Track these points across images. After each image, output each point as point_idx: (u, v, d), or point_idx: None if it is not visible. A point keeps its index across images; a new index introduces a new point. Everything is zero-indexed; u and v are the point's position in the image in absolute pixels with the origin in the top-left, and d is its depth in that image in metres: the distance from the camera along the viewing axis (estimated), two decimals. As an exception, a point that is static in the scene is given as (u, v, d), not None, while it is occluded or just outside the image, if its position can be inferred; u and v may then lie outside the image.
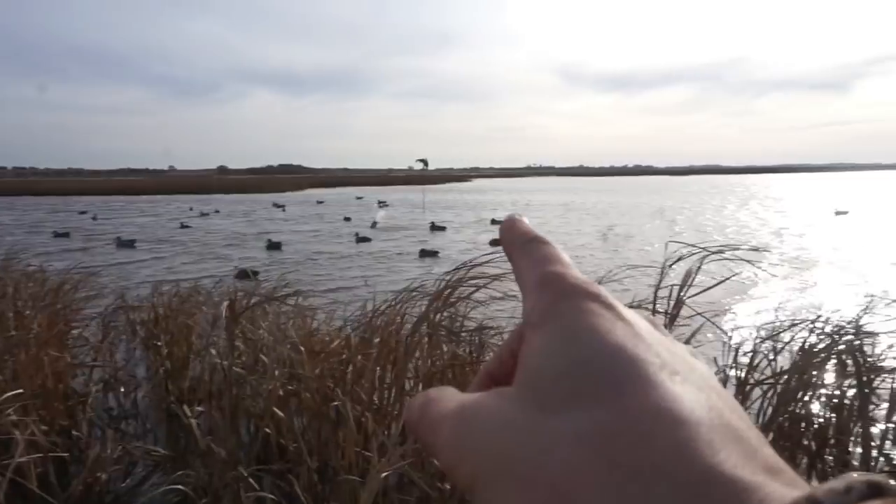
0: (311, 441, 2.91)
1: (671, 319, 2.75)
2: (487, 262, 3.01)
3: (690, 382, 0.20)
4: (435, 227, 25.36)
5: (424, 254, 16.54)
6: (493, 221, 28.47)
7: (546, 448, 0.18)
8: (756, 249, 2.86)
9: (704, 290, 2.80)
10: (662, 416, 0.18)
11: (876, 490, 0.17)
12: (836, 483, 0.17)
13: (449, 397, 0.23)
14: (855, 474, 0.17)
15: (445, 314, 3.13)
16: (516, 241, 0.26)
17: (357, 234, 21.80)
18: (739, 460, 0.17)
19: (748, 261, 2.91)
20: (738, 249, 2.87)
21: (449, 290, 3.08)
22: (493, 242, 10.14)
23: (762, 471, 0.17)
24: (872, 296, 3.30)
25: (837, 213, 30.84)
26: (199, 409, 3.61)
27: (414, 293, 3.27)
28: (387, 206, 43.23)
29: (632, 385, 0.19)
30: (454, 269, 3.16)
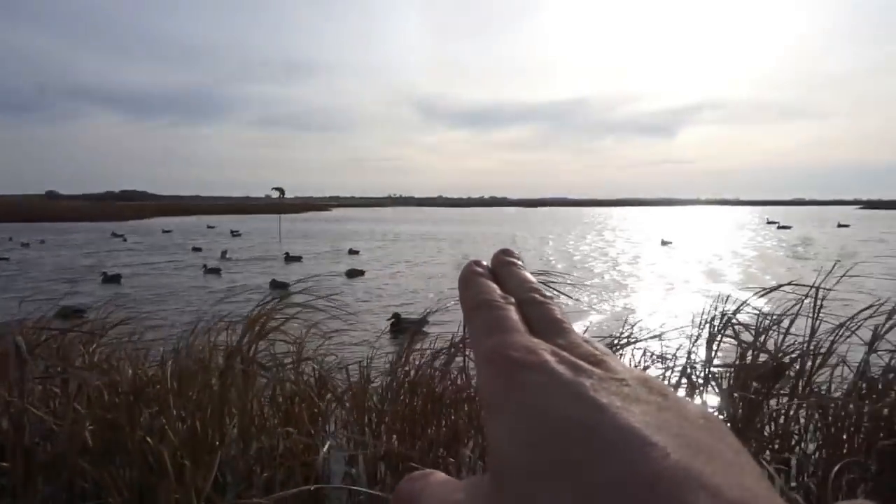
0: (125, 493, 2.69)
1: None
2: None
3: (660, 426, 0.19)
4: (290, 258, 24.53)
5: (275, 285, 16.01)
6: (351, 251, 28.21)
7: None
8: (568, 276, 3.11)
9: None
10: (628, 476, 0.17)
11: None
12: None
13: (431, 492, 0.23)
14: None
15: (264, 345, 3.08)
16: (466, 302, 0.25)
17: (205, 266, 20.56)
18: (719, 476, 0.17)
19: (572, 284, 3.19)
20: (551, 274, 3.13)
21: (264, 319, 3.03)
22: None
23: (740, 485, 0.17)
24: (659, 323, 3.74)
25: (663, 242, 34.39)
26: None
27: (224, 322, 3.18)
28: (240, 235, 41.42)
29: (589, 464, 0.18)
30: (267, 299, 3.14)
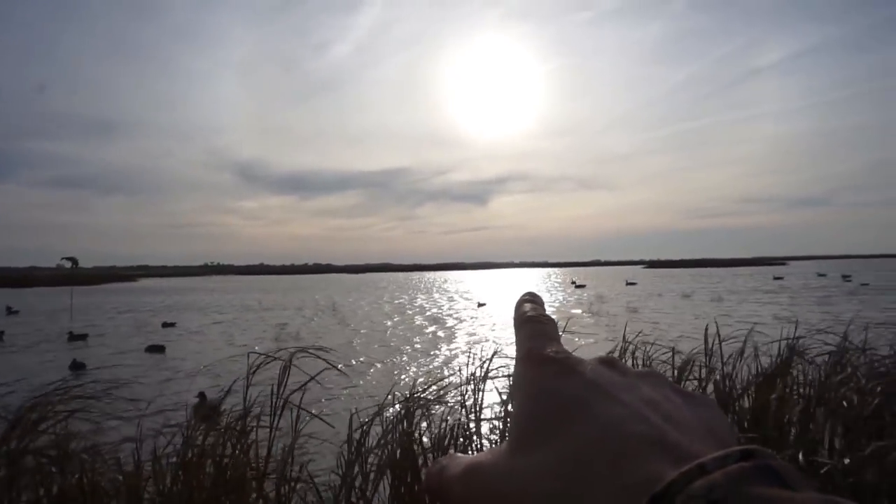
0: None
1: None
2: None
3: (624, 401, 0.25)
4: (74, 337, 21.33)
5: (75, 366, 14.13)
6: (165, 325, 25.76)
7: (525, 483, 0.24)
8: (322, 349, 3.21)
9: (302, 385, 3.04)
10: (598, 428, 0.24)
11: (749, 455, 0.22)
12: (720, 452, 0.23)
13: (456, 463, 0.29)
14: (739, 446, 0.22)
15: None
16: (516, 319, 0.34)
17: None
18: (674, 435, 0.23)
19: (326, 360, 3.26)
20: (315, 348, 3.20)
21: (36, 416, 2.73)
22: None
23: (689, 442, 0.23)
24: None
25: (479, 304, 36.37)
26: None
27: None
28: (17, 312, 35.91)
29: (569, 422, 0.25)
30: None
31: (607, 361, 0.30)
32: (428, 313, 31.10)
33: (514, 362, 0.31)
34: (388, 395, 3.47)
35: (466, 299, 40.98)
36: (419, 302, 41.43)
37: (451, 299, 44.13)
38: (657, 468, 0.23)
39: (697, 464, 0.23)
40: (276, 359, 3.03)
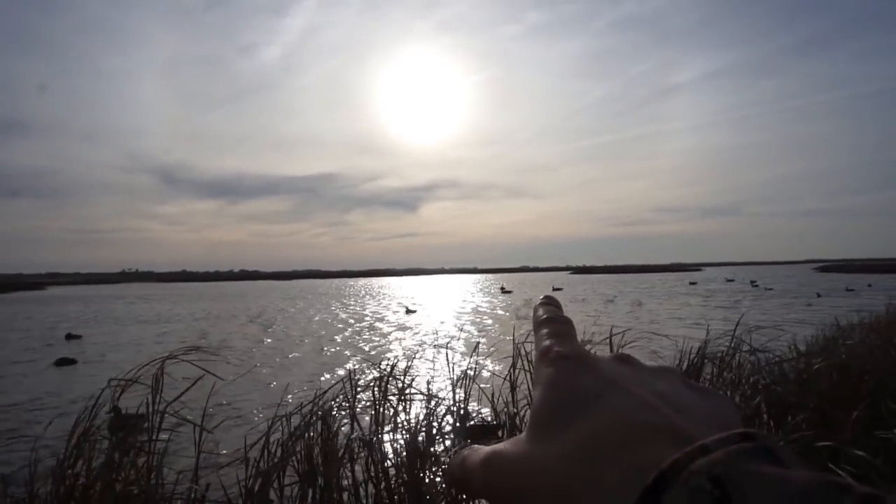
0: None
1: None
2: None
3: (637, 393, 0.27)
4: None
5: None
6: (70, 336, 23.58)
7: (543, 465, 0.26)
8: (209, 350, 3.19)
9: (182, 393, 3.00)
10: (608, 414, 0.26)
11: (749, 437, 0.25)
12: (722, 434, 0.25)
13: (477, 452, 0.31)
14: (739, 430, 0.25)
15: None
16: (535, 321, 0.37)
17: None
18: (675, 419, 0.25)
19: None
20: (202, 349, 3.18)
21: None
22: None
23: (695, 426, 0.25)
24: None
25: (408, 311, 36.24)
26: None
27: None
28: None
29: (585, 412, 0.27)
30: None
31: (621, 358, 0.32)
32: (352, 320, 30.73)
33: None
34: (303, 404, 3.46)
35: (396, 309, 40.76)
36: (349, 309, 40.85)
37: (382, 306, 43.84)
38: (666, 451, 0.25)
39: (700, 444, 0.25)
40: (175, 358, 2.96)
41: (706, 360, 4.83)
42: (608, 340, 4.11)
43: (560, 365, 0.31)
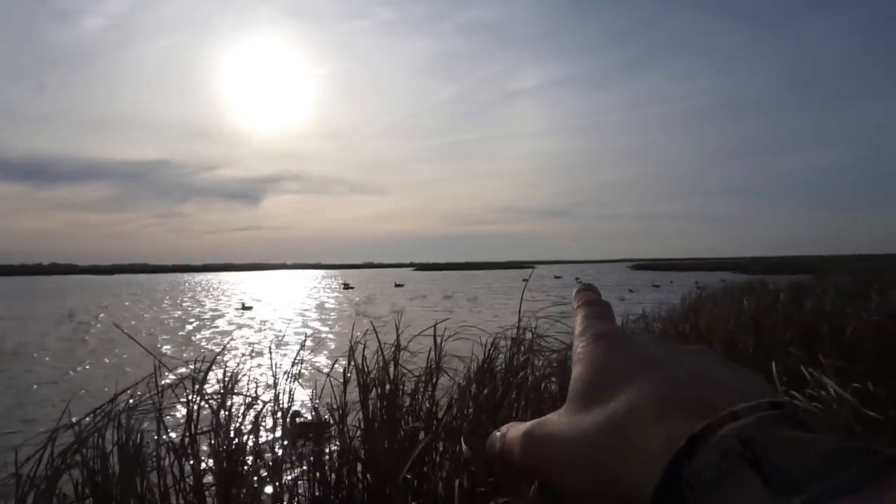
0: None
1: None
2: None
3: (671, 370, 0.29)
4: None
5: None
6: None
7: (582, 434, 0.28)
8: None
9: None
10: (642, 390, 0.28)
11: (776, 405, 0.26)
12: (750, 402, 0.26)
13: (517, 427, 0.33)
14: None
15: None
16: (575, 303, 0.39)
17: None
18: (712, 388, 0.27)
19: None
20: None
21: None
22: None
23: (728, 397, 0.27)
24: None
25: (244, 307, 34.55)
26: None
27: None
28: None
29: (622, 386, 0.29)
30: None
31: (657, 338, 0.34)
32: (185, 318, 28.70)
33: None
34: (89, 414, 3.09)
35: (232, 305, 38.62)
36: (183, 306, 38.03)
37: (220, 302, 41.41)
38: (698, 421, 0.26)
39: (730, 411, 0.26)
40: None
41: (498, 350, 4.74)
42: (432, 332, 4.16)
43: (599, 343, 0.33)
